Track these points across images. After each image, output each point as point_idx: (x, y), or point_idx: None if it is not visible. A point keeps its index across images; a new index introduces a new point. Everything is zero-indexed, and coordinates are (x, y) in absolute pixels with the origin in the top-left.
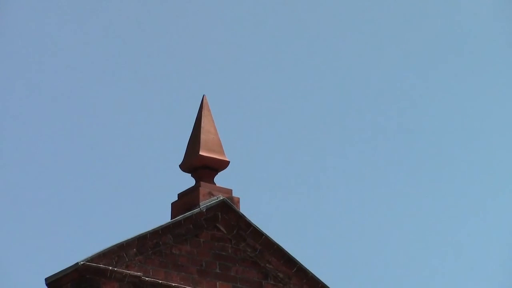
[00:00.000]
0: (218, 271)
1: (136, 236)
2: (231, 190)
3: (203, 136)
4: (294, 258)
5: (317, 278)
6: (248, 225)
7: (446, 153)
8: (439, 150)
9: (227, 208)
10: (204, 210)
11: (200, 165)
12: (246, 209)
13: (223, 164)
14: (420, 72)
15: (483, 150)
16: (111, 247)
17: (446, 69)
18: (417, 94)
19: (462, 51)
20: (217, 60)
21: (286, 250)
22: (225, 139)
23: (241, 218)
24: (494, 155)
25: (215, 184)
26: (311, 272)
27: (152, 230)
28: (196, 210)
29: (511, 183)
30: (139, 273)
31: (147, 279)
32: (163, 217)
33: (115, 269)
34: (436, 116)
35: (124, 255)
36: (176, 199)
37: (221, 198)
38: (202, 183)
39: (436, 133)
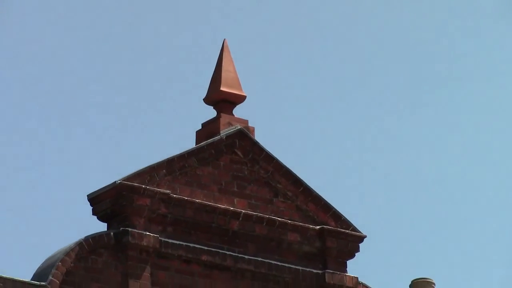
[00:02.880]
0: (235, 189)
1: (166, 159)
2: (247, 120)
3: (223, 74)
4: (301, 179)
5: (320, 196)
6: (261, 150)
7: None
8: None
9: (244, 136)
10: (224, 138)
11: (221, 99)
12: (260, 137)
13: (241, 98)
14: None
15: None
16: (144, 168)
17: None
18: None
19: None
20: (238, 7)
21: (294, 172)
22: (243, 77)
23: (255, 144)
24: None
25: (233, 115)
26: (315, 191)
27: (179, 154)
28: (217, 138)
29: None
30: (167, 191)
31: (174, 196)
32: (189, 143)
33: (147, 187)
34: None
35: (155, 175)
36: (200, 128)
37: (239, 127)
38: (222, 114)
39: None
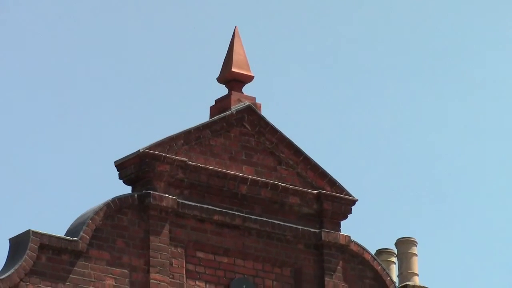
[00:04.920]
0: (244, 158)
1: (183, 131)
2: (255, 97)
3: (234, 57)
4: (301, 149)
5: (318, 164)
6: (267, 124)
7: None
8: None
9: (252, 111)
10: (234, 112)
11: (232, 79)
12: (266, 112)
13: (249, 78)
14: None
15: None
16: (164, 138)
17: None
18: None
19: None
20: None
21: (295, 143)
22: (251, 59)
23: (262, 119)
24: None
25: (243, 93)
26: (313, 160)
27: (195, 126)
28: (228, 112)
29: None
30: (184, 159)
31: (190, 163)
32: (204, 117)
33: (167, 155)
34: None
35: (174, 145)
36: (213, 103)
37: (247, 103)
38: (233, 92)
39: None
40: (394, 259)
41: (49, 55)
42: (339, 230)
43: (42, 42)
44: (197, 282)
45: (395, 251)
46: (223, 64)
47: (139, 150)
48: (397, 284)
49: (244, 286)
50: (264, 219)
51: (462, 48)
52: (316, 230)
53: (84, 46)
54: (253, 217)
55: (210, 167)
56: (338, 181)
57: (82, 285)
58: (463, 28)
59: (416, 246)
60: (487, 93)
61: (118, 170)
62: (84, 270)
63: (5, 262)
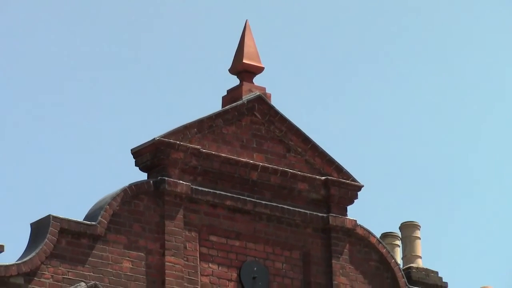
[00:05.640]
0: (254, 145)
1: (196, 120)
2: (265, 88)
3: (245, 49)
4: (309, 137)
5: (325, 152)
6: (276, 113)
7: None
8: None
9: (262, 101)
10: (245, 102)
11: (243, 70)
12: (275, 102)
13: (260, 69)
14: None
15: None
16: (178, 127)
17: None
18: None
19: None
20: None
21: (303, 131)
22: (261, 51)
23: (272, 108)
24: None
25: (253, 83)
26: (321, 148)
27: (208, 115)
28: (239, 102)
29: None
30: (198, 146)
31: (203, 150)
32: (216, 107)
33: (181, 143)
34: None
35: (188, 133)
36: (225, 94)
37: (258, 93)
38: (244, 82)
39: None
40: (398, 242)
41: (73, 46)
42: (346, 215)
43: (68, 31)
44: (210, 265)
45: (399, 234)
46: (234, 56)
47: (154, 138)
48: (401, 266)
49: (255, 268)
50: (274, 204)
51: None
52: (324, 215)
53: (103, 37)
54: (263, 202)
55: (222, 155)
56: (345, 167)
57: (100, 268)
58: (464, 26)
59: (419, 229)
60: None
61: (134, 157)
62: (102, 253)
63: (27, 246)
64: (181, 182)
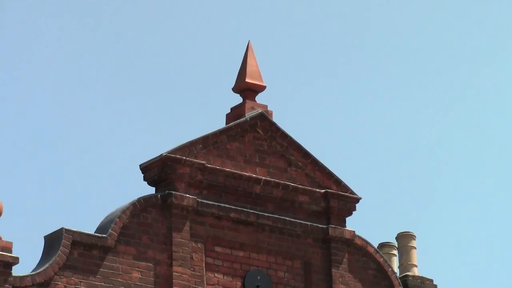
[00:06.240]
0: (257, 160)
1: (202, 136)
2: (267, 105)
3: (248, 68)
4: (309, 152)
5: (325, 166)
6: (278, 129)
7: None
8: None
9: (264, 118)
10: (248, 119)
11: (246, 88)
12: (277, 119)
13: (262, 88)
14: None
15: None
16: (185, 143)
17: None
18: None
19: None
20: (262, 9)
21: (303, 146)
22: (263, 70)
23: (273, 124)
24: None
25: (256, 101)
26: (321, 162)
27: (212, 132)
28: (242, 119)
29: None
30: (203, 161)
31: (208, 165)
32: (220, 123)
33: (187, 158)
34: None
35: (193, 149)
36: (229, 111)
37: (260, 111)
38: (247, 100)
39: None
40: (395, 252)
41: (83, 63)
42: (345, 226)
43: (78, 47)
44: (215, 274)
45: (396, 244)
46: (237, 75)
47: (161, 154)
48: (398, 275)
49: (258, 277)
50: (276, 216)
51: (468, 48)
52: (324, 226)
53: (112, 56)
54: (266, 214)
55: (227, 169)
56: (344, 181)
57: (111, 278)
58: (465, 28)
59: (415, 239)
60: (484, 92)
61: (142, 172)
62: (113, 264)
63: (41, 258)
64: (188, 195)
